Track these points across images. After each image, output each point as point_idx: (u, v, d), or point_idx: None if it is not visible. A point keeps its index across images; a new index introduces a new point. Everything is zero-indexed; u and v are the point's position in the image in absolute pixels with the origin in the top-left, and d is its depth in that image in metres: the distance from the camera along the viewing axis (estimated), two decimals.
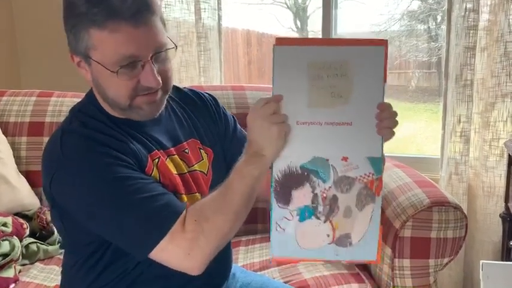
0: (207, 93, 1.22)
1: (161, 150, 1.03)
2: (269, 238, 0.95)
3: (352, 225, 0.94)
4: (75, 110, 1.02)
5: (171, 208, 0.92)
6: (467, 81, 1.83)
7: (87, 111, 1.01)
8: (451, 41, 1.87)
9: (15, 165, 1.77)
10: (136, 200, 0.91)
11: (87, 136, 0.95)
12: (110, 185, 0.91)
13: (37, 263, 1.58)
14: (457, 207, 1.30)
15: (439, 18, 2.41)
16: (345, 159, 0.93)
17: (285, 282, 1.34)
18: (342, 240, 0.95)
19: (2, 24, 2.45)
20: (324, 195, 0.94)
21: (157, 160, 1.01)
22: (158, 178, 1.00)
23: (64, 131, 0.97)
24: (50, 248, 1.62)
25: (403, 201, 1.34)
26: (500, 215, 1.76)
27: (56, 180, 0.94)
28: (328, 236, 0.95)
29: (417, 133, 2.56)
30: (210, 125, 1.17)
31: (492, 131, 1.84)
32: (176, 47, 0.98)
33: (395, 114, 0.93)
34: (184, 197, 1.03)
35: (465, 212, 1.33)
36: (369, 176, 0.93)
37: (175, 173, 1.04)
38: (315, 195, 0.94)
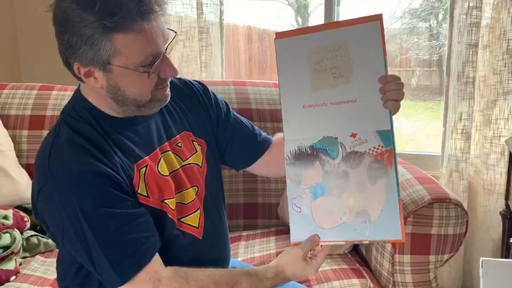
0: (195, 80, 1.22)
1: (151, 154, 1.02)
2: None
3: (368, 201, 0.94)
4: (65, 114, 1.00)
5: (138, 257, 0.93)
6: (469, 78, 1.83)
7: (77, 113, 0.99)
8: (453, 38, 1.87)
9: (16, 158, 1.77)
10: (110, 240, 0.92)
11: (76, 156, 0.92)
12: (88, 219, 0.90)
13: (38, 256, 1.58)
14: (457, 204, 1.30)
15: (440, 16, 2.41)
16: (353, 135, 0.95)
17: None
18: (360, 217, 0.95)
19: (3, 18, 2.44)
20: (335, 171, 0.96)
21: (144, 169, 1.00)
22: (145, 191, 0.99)
23: (54, 143, 0.95)
24: (51, 241, 1.62)
25: (404, 197, 1.34)
26: (500, 212, 1.76)
27: (42, 196, 0.94)
28: (344, 213, 0.96)
29: (417, 131, 2.56)
30: (201, 113, 1.16)
31: (493, 129, 1.84)
32: (176, 33, 1.00)
33: (401, 85, 0.94)
34: (173, 201, 1.02)
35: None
36: (377, 149, 0.94)
37: (167, 173, 1.03)
38: (326, 172, 0.97)
